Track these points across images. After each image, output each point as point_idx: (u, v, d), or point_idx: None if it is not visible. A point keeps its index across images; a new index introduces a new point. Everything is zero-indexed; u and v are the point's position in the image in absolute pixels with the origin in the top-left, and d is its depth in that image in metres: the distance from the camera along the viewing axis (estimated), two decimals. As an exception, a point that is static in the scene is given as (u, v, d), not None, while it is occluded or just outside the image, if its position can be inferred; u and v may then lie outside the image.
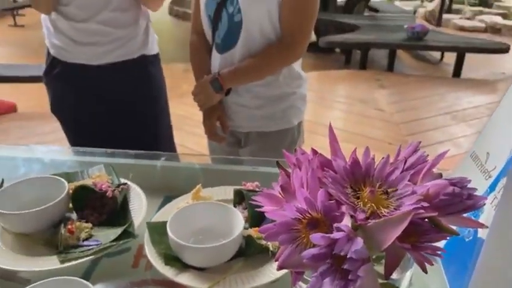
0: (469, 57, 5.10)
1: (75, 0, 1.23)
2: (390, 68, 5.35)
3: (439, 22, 8.83)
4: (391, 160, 0.59)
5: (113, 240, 0.67)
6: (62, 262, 0.63)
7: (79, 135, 1.44)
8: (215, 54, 1.20)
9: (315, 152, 0.56)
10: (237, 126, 1.26)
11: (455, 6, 9.69)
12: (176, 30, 7.99)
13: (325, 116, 3.73)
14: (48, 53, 1.36)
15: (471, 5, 10.06)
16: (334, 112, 3.84)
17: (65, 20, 1.26)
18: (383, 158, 0.56)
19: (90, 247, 0.66)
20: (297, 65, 1.21)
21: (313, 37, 6.78)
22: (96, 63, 1.31)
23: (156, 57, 1.44)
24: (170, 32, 7.82)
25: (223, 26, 1.15)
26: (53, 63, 1.35)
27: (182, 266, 0.63)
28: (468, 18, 9.02)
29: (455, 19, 8.87)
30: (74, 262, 0.63)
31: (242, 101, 1.21)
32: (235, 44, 1.14)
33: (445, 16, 8.98)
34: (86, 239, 0.68)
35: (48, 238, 0.68)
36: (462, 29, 8.33)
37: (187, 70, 1.26)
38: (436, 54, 6.21)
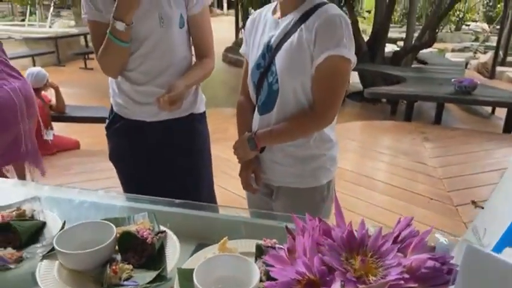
0: (522, 112, 4.93)
1: (138, 67, 1.44)
2: (438, 120, 5.29)
3: (492, 74, 8.64)
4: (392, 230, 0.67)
5: (149, 282, 0.78)
6: (105, 298, 0.75)
7: (130, 181, 1.62)
8: (256, 115, 1.35)
9: (319, 219, 0.65)
10: (269, 180, 1.37)
11: (509, 58, 9.45)
12: (229, 76, 8.45)
13: (368, 167, 3.74)
14: (112, 110, 1.58)
15: (527, 58, 9.75)
16: (377, 163, 3.83)
17: (128, 83, 1.47)
18: (380, 228, 0.65)
19: (129, 287, 0.77)
20: (329, 129, 1.31)
21: (359, 86, 6.88)
22: (150, 120, 1.51)
23: (202, 115, 1.62)
24: (223, 77, 8.28)
25: (264, 92, 1.29)
26: (115, 119, 1.56)
27: (204, 310, 0.72)
28: (524, 72, 8.73)
29: (509, 72, 8.63)
30: (114, 298, 0.75)
31: (275, 158, 1.32)
32: (273, 108, 1.27)
33: (499, 68, 8.77)
34: (126, 279, 0.79)
35: (96, 275, 0.81)
36: (517, 82, 8.09)
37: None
38: (488, 107, 6.06)
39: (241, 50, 1.42)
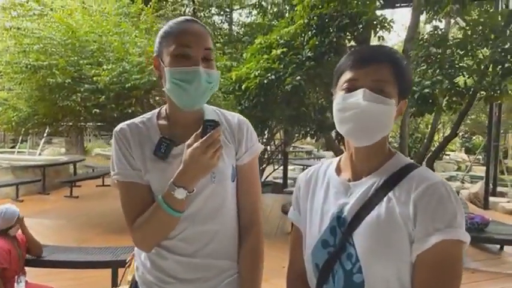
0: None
1: (182, 232, 1.13)
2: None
3: (486, 205, 8.58)
4: None
5: None
6: None
7: None
8: None
9: None
10: None
11: (499, 188, 9.55)
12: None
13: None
14: None
15: (517, 189, 9.90)
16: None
17: (168, 254, 1.14)
18: None
19: None
20: None
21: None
22: None
23: None
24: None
25: (338, 284, 0.95)
26: None
27: None
28: (517, 202, 8.74)
29: (503, 202, 8.61)
30: None
31: None
32: None
33: (492, 199, 8.77)
34: None
35: None
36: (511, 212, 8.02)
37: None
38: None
39: (291, 216, 1.14)
